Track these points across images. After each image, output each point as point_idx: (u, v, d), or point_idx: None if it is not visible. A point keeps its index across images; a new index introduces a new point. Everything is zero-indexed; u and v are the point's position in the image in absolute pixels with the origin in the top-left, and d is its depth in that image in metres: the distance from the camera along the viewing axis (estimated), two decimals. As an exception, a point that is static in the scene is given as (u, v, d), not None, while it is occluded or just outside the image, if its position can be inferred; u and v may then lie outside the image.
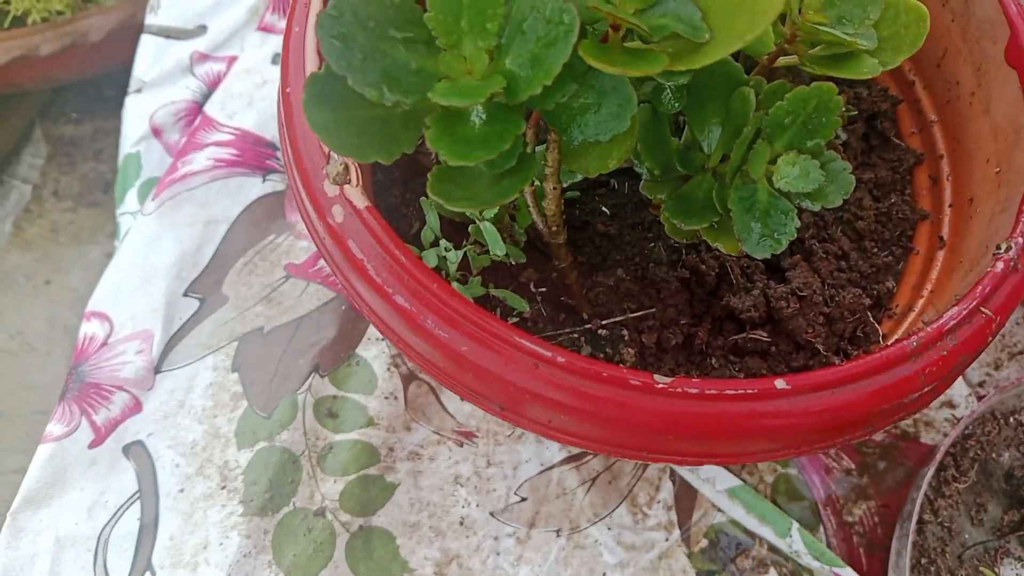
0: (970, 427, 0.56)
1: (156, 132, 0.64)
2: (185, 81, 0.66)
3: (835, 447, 0.32)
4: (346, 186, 0.32)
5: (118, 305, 0.56)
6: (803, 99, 0.30)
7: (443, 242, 0.35)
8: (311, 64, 0.34)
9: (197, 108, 0.64)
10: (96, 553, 0.49)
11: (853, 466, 0.56)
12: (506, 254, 0.35)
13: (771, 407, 0.29)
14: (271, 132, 0.62)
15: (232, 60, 0.67)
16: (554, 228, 0.34)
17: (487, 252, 0.35)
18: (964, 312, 0.30)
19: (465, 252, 0.34)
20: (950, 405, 0.58)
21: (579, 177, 0.36)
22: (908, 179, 0.43)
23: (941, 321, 0.30)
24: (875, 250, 0.41)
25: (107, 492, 0.51)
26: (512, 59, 0.25)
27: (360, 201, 0.32)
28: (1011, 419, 0.57)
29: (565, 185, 0.34)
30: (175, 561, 0.49)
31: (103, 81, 1.41)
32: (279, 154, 0.62)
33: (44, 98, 1.35)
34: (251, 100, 0.63)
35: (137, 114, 0.65)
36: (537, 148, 0.30)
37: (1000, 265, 0.31)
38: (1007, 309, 0.31)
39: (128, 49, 1.23)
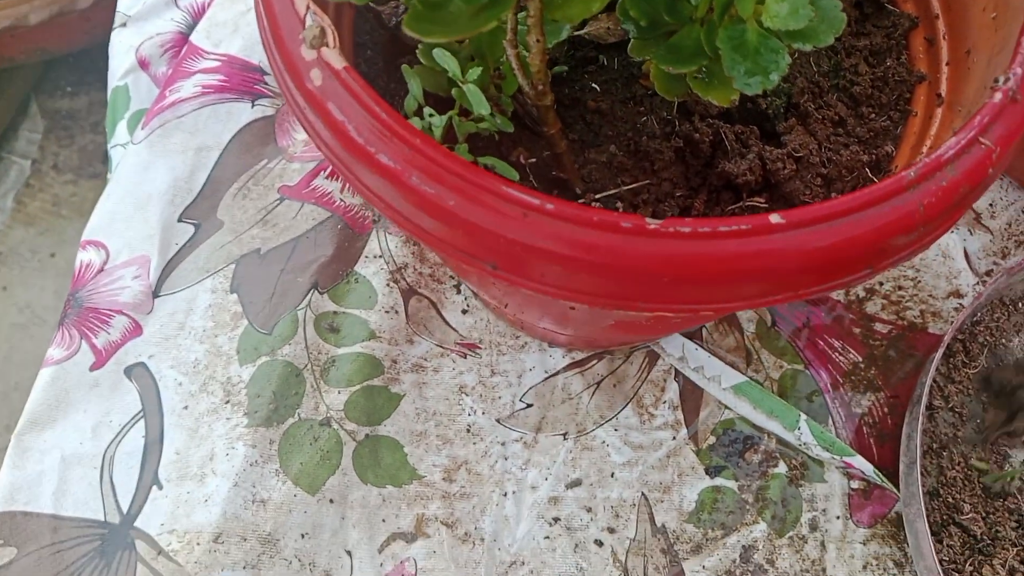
0: (979, 313, 0.56)
1: (143, 64, 0.63)
2: (170, 13, 0.65)
3: (835, 288, 0.31)
4: (323, 48, 0.31)
5: (113, 233, 0.56)
6: (790, -74, 0.29)
7: (427, 108, 0.34)
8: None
9: (183, 39, 0.64)
10: (102, 470, 0.49)
11: (860, 358, 0.56)
12: (494, 126, 0.34)
13: (766, 243, 0.28)
14: (258, 57, 0.61)
15: (216, -11, 0.66)
16: (540, 87, 0.33)
17: (474, 120, 0.34)
18: (963, 142, 0.29)
19: (450, 119, 0.34)
20: (957, 295, 0.57)
21: (565, 35, 0.35)
22: (904, 43, 0.42)
23: (939, 152, 0.29)
24: (872, 115, 0.40)
25: (111, 412, 0.51)
26: None
27: (338, 62, 0.31)
28: (1020, 304, 0.56)
29: (552, 51, 0.33)
30: (182, 474, 0.49)
31: (95, 52, 1.40)
32: (268, 79, 0.61)
33: (37, 72, 1.35)
34: (236, 27, 0.62)
35: (123, 48, 0.64)
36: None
37: (999, 96, 0.31)
38: (1008, 141, 0.31)
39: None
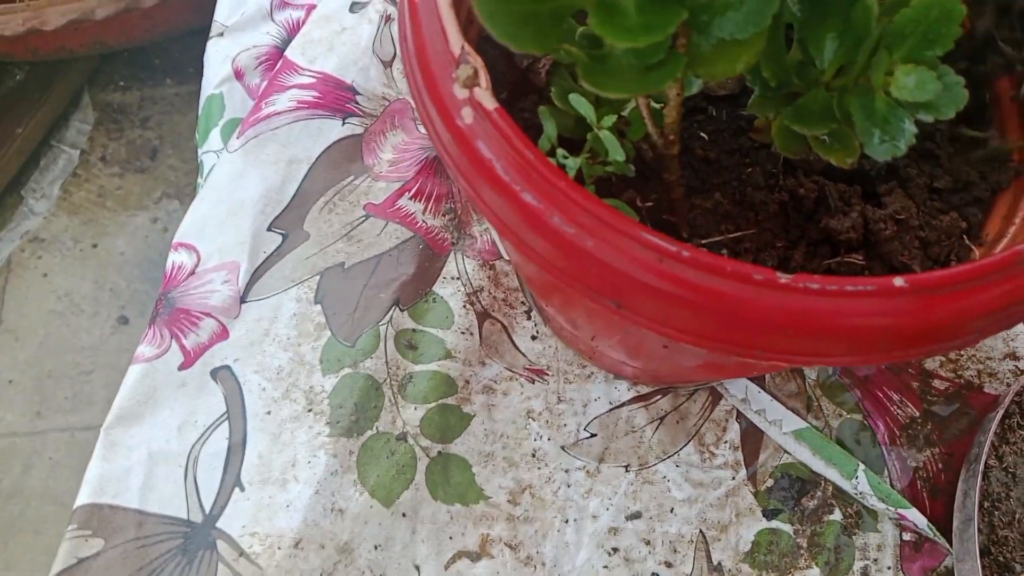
0: (1036, 378, 0.57)
1: (238, 74, 0.65)
2: (266, 27, 0.67)
3: (943, 351, 0.33)
4: (476, 88, 0.33)
5: (204, 237, 0.58)
6: (926, 7, 0.31)
7: (560, 150, 0.36)
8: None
9: (278, 53, 0.66)
10: (187, 469, 0.51)
11: (917, 413, 0.57)
12: (623, 170, 0.36)
13: (889, 305, 0.30)
14: (351, 77, 0.64)
15: (311, 8, 0.68)
16: (671, 138, 0.35)
17: (600, 163, 0.36)
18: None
19: (580, 161, 0.36)
20: (1013, 357, 0.59)
21: (696, 89, 0.37)
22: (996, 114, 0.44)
23: (1052, 230, 0.31)
24: (965, 184, 0.42)
25: (196, 412, 0.53)
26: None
27: (490, 103, 0.33)
28: (1077, 372, 0.58)
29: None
30: (264, 478, 0.51)
31: (151, 49, 1.44)
32: (359, 98, 0.63)
33: (93, 64, 1.38)
34: (331, 46, 0.65)
35: (219, 57, 0.66)
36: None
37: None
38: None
39: (179, 16, 1.25)
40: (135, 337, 1.22)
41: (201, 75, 0.67)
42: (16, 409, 1.19)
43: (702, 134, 0.42)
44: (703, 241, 0.39)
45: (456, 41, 0.34)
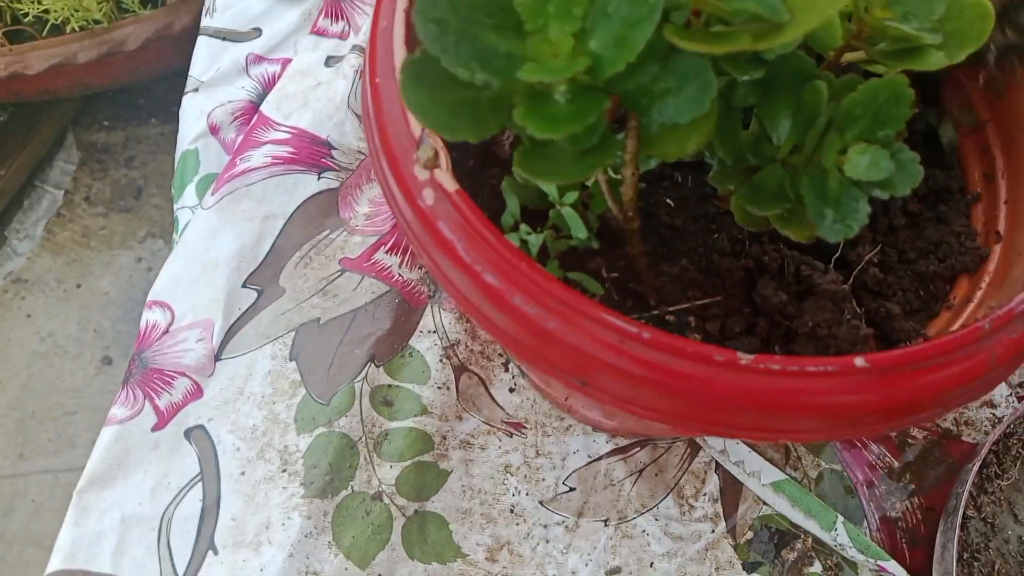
0: (1011, 426, 0.57)
1: (213, 130, 0.65)
2: (241, 82, 0.68)
3: (905, 426, 0.33)
4: (436, 170, 0.34)
5: (179, 295, 0.58)
6: (875, 90, 0.32)
7: (523, 226, 0.36)
8: (399, 54, 0.36)
9: (253, 108, 0.66)
10: (160, 532, 0.50)
11: (896, 463, 0.57)
12: (586, 244, 0.36)
13: (850, 384, 0.30)
14: (326, 132, 0.64)
15: (286, 62, 0.69)
16: (630, 214, 0.35)
17: (564, 237, 0.36)
18: (1032, 297, 0.32)
19: (545, 238, 0.36)
20: (990, 405, 0.59)
21: (653, 165, 0.37)
22: (963, 185, 0.44)
23: (1011, 305, 0.31)
24: (932, 253, 0.42)
25: (169, 474, 0.52)
26: (596, 41, 0.27)
27: (450, 184, 0.33)
28: (1052, 418, 0.58)
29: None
30: (237, 541, 0.50)
31: (135, 89, 1.44)
32: (334, 152, 0.64)
33: (77, 105, 1.38)
34: (306, 101, 0.65)
35: (194, 112, 0.67)
36: (618, 136, 0.32)
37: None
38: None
39: (161, 58, 1.25)
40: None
41: None
42: (-2, 451, 1.18)
43: (668, 200, 0.42)
44: (671, 308, 0.39)
45: (416, 123, 0.34)
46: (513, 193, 0.36)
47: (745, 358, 0.30)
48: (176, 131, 1.37)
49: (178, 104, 1.31)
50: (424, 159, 0.34)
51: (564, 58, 0.25)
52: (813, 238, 0.35)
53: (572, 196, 0.35)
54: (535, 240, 0.35)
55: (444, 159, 0.34)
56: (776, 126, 0.35)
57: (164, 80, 1.36)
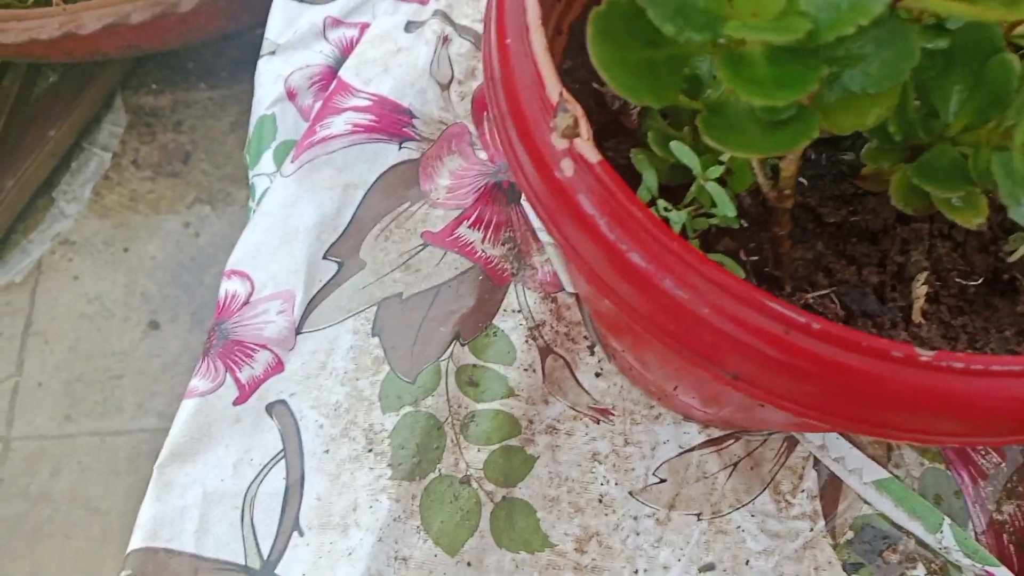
0: None
1: (291, 95, 0.63)
2: (319, 46, 0.65)
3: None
4: (576, 140, 0.31)
5: (259, 265, 0.56)
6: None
7: (661, 201, 0.34)
8: (533, 13, 0.33)
9: (331, 73, 0.64)
10: (243, 510, 0.49)
11: (1002, 461, 0.54)
12: (732, 223, 0.34)
13: (1039, 385, 0.28)
14: (408, 100, 0.62)
15: (364, 27, 0.66)
16: (787, 192, 0.32)
17: (704, 215, 0.34)
18: None
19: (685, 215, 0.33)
20: (1107, 406, 0.56)
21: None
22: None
23: None
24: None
25: (252, 450, 0.51)
26: (808, 2, 0.24)
27: (593, 155, 0.31)
28: None
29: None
30: (324, 522, 0.49)
31: (184, 53, 1.43)
32: (415, 121, 0.61)
33: (126, 67, 1.37)
34: (386, 67, 0.63)
35: (271, 76, 0.64)
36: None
37: None
38: None
39: (212, 22, 1.23)
40: (165, 342, 1.21)
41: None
42: (45, 412, 1.19)
43: (801, 179, 0.40)
44: (811, 295, 0.37)
45: (554, 87, 0.32)
46: (650, 166, 0.34)
47: (925, 355, 0.27)
48: (225, 96, 1.36)
49: (228, 69, 1.30)
50: (563, 127, 0.31)
51: (771, 17, 0.22)
52: (983, 224, 0.32)
53: (717, 170, 0.32)
54: (677, 217, 0.33)
55: (585, 128, 0.31)
56: (947, 101, 0.32)
57: (213, 44, 1.34)
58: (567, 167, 0.31)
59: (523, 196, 0.59)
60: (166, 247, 1.29)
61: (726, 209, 0.32)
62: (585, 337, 0.57)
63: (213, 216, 1.28)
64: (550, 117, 0.32)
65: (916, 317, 0.36)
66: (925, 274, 0.37)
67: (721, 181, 0.36)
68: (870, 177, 0.37)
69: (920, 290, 0.36)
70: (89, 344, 1.24)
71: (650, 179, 0.34)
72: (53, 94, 1.33)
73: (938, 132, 0.33)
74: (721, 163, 0.36)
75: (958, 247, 0.38)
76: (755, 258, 0.36)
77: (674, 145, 0.34)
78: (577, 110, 0.32)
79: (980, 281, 0.38)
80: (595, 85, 0.40)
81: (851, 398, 0.29)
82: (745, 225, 0.38)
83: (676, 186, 0.37)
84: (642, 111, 0.39)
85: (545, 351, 0.56)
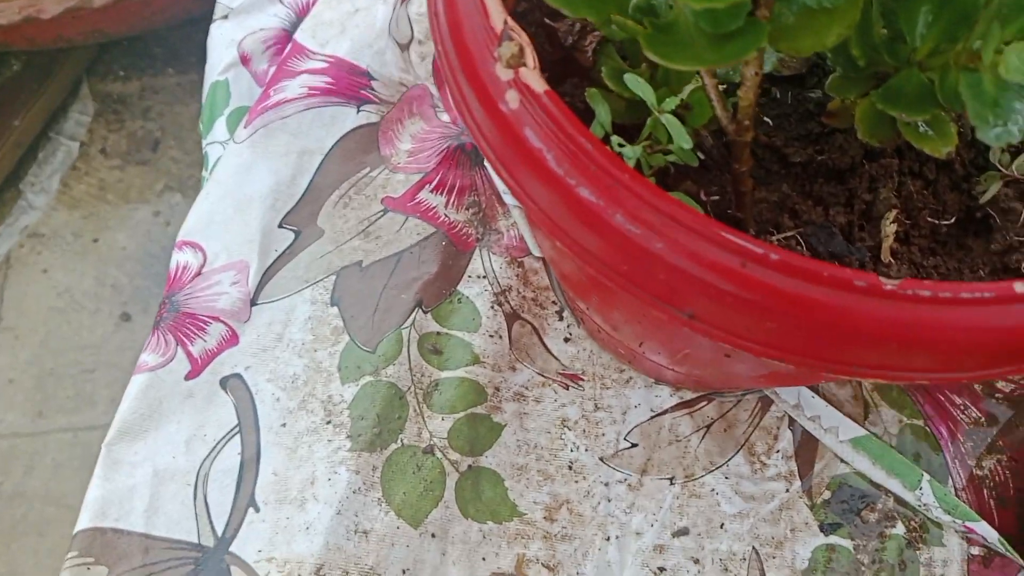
0: (1113, 379, 0.53)
1: (244, 60, 0.61)
2: (273, 8, 0.63)
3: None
4: (522, 69, 0.29)
5: (211, 235, 0.54)
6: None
7: (615, 138, 0.32)
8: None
9: (287, 36, 0.62)
10: (196, 487, 0.47)
11: (982, 417, 0.53)
12: (688, 159, 0.32)
13: (1009, 313, 0.26)
14: (365, 61, 0.59)
15: (320, -12, 0.64)
16: (745, 123, 0.31)
17: (662, 151, 0.32)
18: None
19: (639, 150, 0.31)
20: (1087, 357, 0.55)
21: (769, 67, 0.33)
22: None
23: None
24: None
25: (205, 425, 0.49)
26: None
27: (538, 85, 0.29)
28: None
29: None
30: (280, 497, 0.47)
31: (151, 38, 1.39)
32: (374, 84, 0.59)
33: (91, 54, 1.33)
34: (344, 28, 0.60)
35: (223, 41, 0.62)
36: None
37: None
38: None
39: (178, 4, 1.20)
40: (138, 334, 1.18)
41: (203, 64, 0.63)
42: (17, 409, 1.16)
43: (765, 119, 0.38)
44: (775, 237, 0.35)
45: (498, 15, 0.30)
46: (603, 102, 0.32)
47: (890, 283, 0.26)
48: (193, 81, 1.33)
49: (196, 54, 1.26)
50: (507, 56, 0.29)
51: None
52: (950, 154, 0.30)
53: (672, 102, 0.30)
54: (631, 152, 0.31)
55: (531, 57, 0.29)
56: (914, 22, 0.30)
57: (180, 28, 1.31)
58: (512, 99, 0.29)
59: (486, 163, 0.57)
60: (136, 237, 1.26)
61: (681, 140, 0.30)
62: (554, 302, 0.55)
63: (184, 204, 1.24)
64: (494, 47, 0.30)
65: (885, 257, 0.34)
66: (894, 212, 0.35)
67: (679, 118, 0.34)
68: (836, 113, 0.36)
69: (889, 228, 0.35)
70: (60, 338, 1.21)
71: (603, 114, 0.32)
72: (17, 83, 1.29)
73: (904, 56, 0.31)
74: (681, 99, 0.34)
75: (929, 185, 0.37)
76: (716, 198, 0.35)
77: (629, 78, 0.32)
78: (523, 38, 0.30)
79: (952, 220, 0.37)
80: (548, 21, 0.38)
81: (813, 334, 0.27)
82: (707, 168, 0.36)
83: (631, 126, 0.35)
84: (597, 48, 0.37)
85: (512, 317, 0.54)
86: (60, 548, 1.04)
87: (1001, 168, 0.36)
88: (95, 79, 1.36)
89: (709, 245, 0.27)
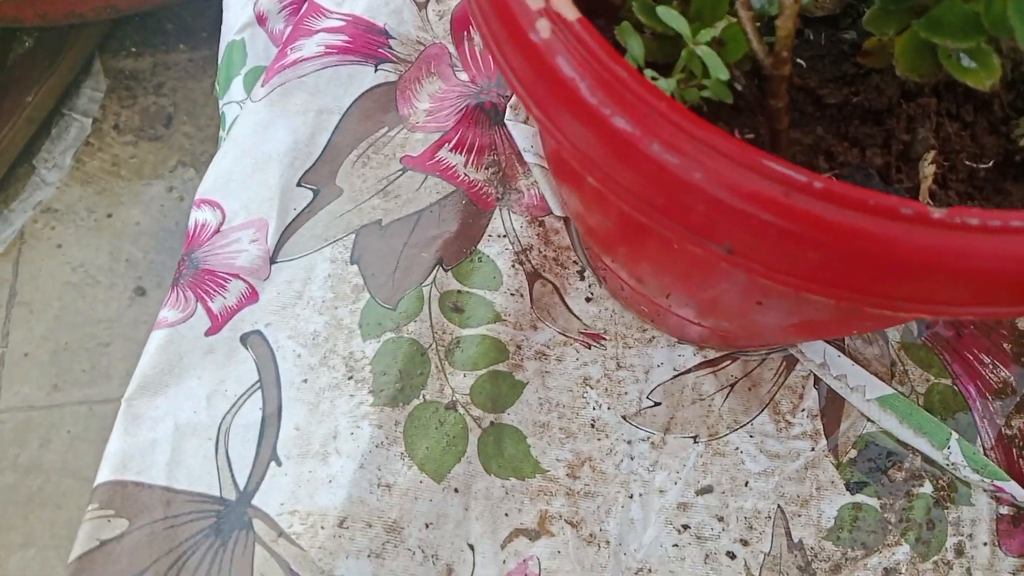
0: None
1: (260, 19, 0.60)
2: (288, -33, 0.62)
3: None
4: (553, -2, 0.28)
5: (229, 193, 0.53)
6: None
7: (648, 71, 0.31)
8: None
9: (303, -5, 0.61)
10: (218, 442, 0.47)
11: (1011, 376, 0.52)
12: (723, 94, 0.31)
13: (1061, 242, 0.25)
14: (383, 19, 0.58)
15: (336, -54, 0.63)
16: (783, 55, 0.30)
17: (696, 86, 0.31)
18: None
19: (674, 83, 0.31)
20: (1118, 316, 0.54)
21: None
22: None
23: None
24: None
25: (226, 381, 0.49)
26: None
27: (571, 12, 0.28)
28: None
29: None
30: (303, 451, 0.46)
31: (163, 14, 1.38)
32: (391, 42, 0.58)
33: (103, 30, 1.33)
34: (360, -15, 0.59)
35: (240, 1, 0.61)
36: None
37: None
38: None
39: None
40: (152, 309, 1.18)
41: (215, 39, 0.62)
42: (33, 383, 1.17)
43: (799, 61, 0.37)
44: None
45: (529, -59, 0.29)
46: (635, 36, 0.31)
47: (938, 212, 0.25)
48: (205, 57, 1.32)
49: (208, 30, 1.25)
50: (538, -15, 0.28)
51: None
52: (993, 87, 0.30)
53: (708, 33, 0.30)
54: (666, 85, 0.30)
55: (562, -16, 0.28)
56: (958, -53, 0.29)
57: (192, 4, 1.30)
58: (543, 28, 0.29)
59: (506, 115, 0.56)
60: (150, 212, 1.26)
61: (718, 72, 0.29)
62: (575, 262, 0.54)
63: (197, 179, 1.24)
64: (524, -23, 0.29)
65: (923, 198, 0.34)
66: (933, 153, 0.34)
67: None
68: (872, 52, 0.35)
69: (928, 169, 0.34)
70: (75, 312, 1.22)
71: (636, 47, 0.31)
72: (30, 60, 1.29)
73: (946, -14, 0.30)
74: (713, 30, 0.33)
75: (967, 127, 0.36)
76: (751, 136, 0.34)
77: (662, 11, 0.31)
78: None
79: (991, 164, 0.36)
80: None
81: (857, 265, 0.26)
82: (739, 110, 0.36)
83: (663, 65, 0.34)
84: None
85: (533, 276, 0.53)
86: (76, 520, 1.05)
87: (1042, 108, 0.35)
88: (107, 55, 1.35)
89: (750, 174, 0.26)
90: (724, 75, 0.29)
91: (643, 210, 0.29)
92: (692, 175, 0.27)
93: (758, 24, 0.31)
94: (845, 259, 0.26)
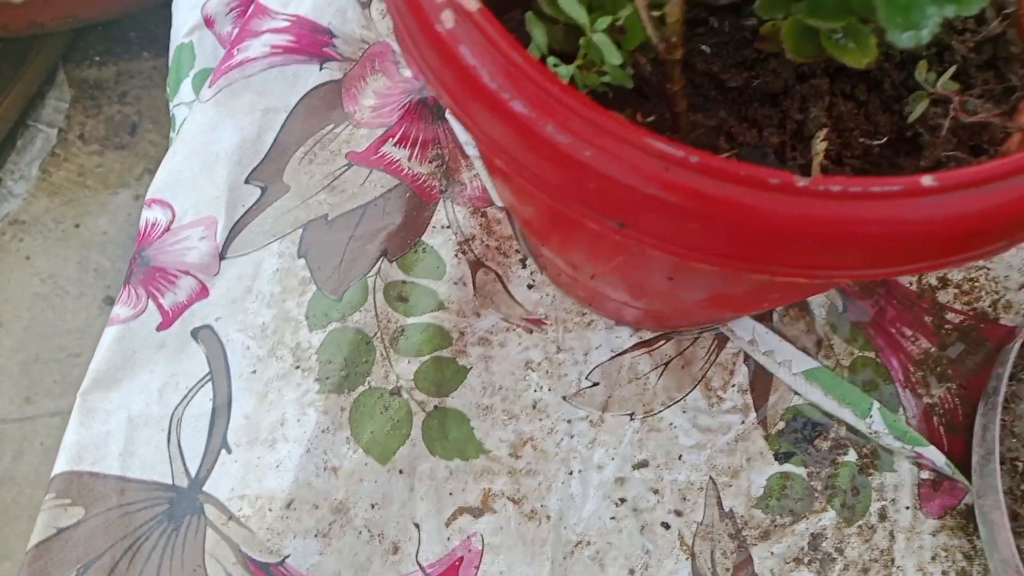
0: (1055, 307, 0.55)
1: (208, 22, 0.62)
2: (235, -27, 0.64)
3: (969, 261, 0.30)
4: (455, -8, 0.30)
5: (179, 192, 0.55)
6: None
7: (551, 58, 0.33)
8: None
9: (248, -1, 0.63)
10: (170, 432, 0.48)
11: (932, 347, 0.55)
12: (621, 79, 0.33)
13: (917, 206, 0.28)
14: (327, 19, 0.60)
15: (281, -48, 0.64)
16: (673, 40, 0.32)
17: (596, 72, 0.33)
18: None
19: (574, 71, 0.33)
20: (1031, 288, 0.57)
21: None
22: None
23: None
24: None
25: (177, 374, 0.50)
26: None
27: (472, 3, 0.30)
28: (1097, 300, 0.55)
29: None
30: (252, 438, 0.48)
31: (125, 23, 1.39)
32: (336, 42, 0.60)
33: (66, 40, 1.33)
34: (304, -11, 0.61)
35: (188, 5, 0.63)
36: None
37: None
38: None
39: (152, -12, 1.19)
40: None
41: None
42: (4, 395, 1.17)
43: (703, 47, 0.39)
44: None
45: (433, -60, 0.31)
46: (539, 24, 0.33)
47: (802, 180, 0.27)
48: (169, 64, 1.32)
49: (170, 38, 1.26)
50: (441, -20, 0.30)
51: None
52: (871, 64, 0.32)
53: (604, 22, 0.32)
54: (565, 71, 0.32)
55: (464, -21, 0.31)
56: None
57: (154, 11, 1.31)
58: (447, 19, 0.31)
59: (447, 111, 0.58)
60: (117, 221, 1.26)
61: (612, 58, 0.31)
62: (517, 251, 0.56)
63: (163, 187, 1.25)
64: (429, -27, 0.31)
65: (815, 173, 0.36)
66: (824, 131, 0.36)
67: (616, 43, 0.36)
68: (769, 37, 0.37)
69: (819, 146, 0.36)
70: (45, 324, 1.22)
71: (539, 36, 0.33)
72: (-8, 72, 1.28)
73: (822, -26, 0.32)
74: (616, 24, 0.35)
75: (861, 107, 0.38)
76: (652, 119, 0.36)
77: (563, 1, 0.33)
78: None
79: (884, 140, 0.39)
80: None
81: (733, 233, 0.29)
82: (646, 96, 0.38)
83: (571, 53, 0.36)
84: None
85: (475, 265, 0.55)
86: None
87: (927, 87, 0.38)
88: (71, 65, 1.36)
89: (633, 150, 0.28)
90: (616, 60, 0.31)
91: (545, 189, 0.31)
92: (583, 154, 0.29)
93: (657, 13, 0.34)
94: (722, 228, 0.28)
